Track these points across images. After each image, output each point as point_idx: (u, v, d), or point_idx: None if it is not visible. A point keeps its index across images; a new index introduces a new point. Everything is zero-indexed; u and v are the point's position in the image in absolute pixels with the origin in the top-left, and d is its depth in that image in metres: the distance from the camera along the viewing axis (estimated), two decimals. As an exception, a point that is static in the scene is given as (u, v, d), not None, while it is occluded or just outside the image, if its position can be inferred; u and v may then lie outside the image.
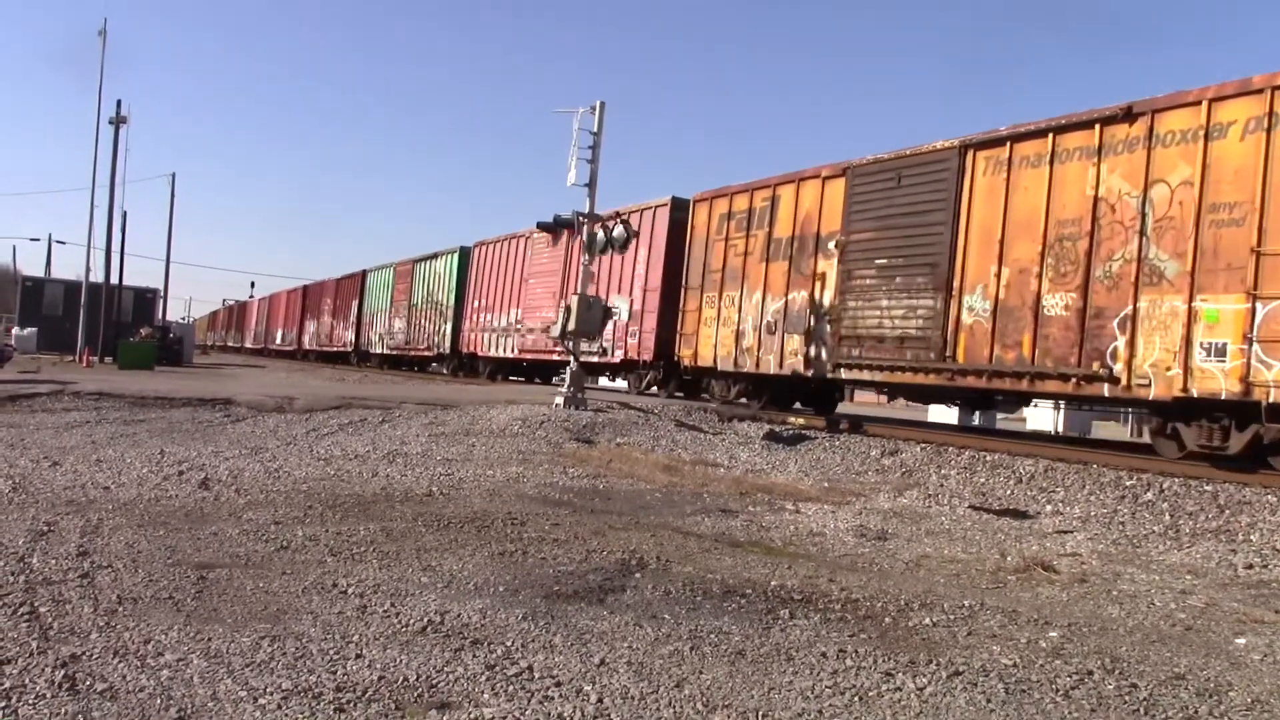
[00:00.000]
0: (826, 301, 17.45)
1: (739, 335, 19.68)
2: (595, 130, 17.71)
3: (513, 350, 30.04)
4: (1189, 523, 9.55)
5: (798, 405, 20.81)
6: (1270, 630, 6.00)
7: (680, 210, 22.25)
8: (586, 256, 18.22)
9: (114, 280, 39.62)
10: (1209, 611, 6.45)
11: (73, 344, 38.58)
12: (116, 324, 38.92)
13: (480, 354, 33.07)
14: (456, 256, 35.71)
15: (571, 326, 17.72)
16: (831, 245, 17.51)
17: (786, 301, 18.37)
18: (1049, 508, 10.58)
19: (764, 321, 18.96)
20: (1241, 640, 5.75)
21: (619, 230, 17.98)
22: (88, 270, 39.55)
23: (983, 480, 11.96)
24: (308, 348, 57.89)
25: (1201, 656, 5.35)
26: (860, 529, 8.97)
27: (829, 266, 17.58)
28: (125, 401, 15.96)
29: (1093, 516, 10.07)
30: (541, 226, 21.50)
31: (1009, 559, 7.86)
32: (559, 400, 17.08)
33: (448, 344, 35.70)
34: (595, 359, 23.44)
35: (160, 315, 52.33)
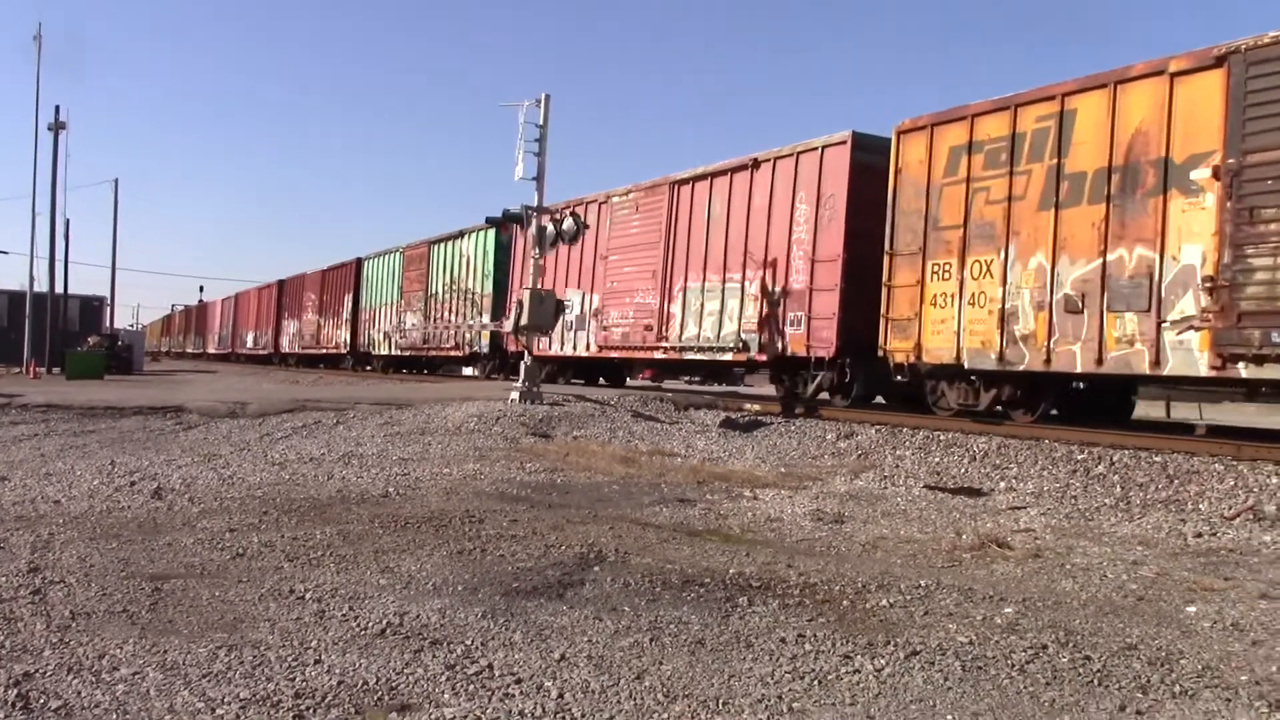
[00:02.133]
0: (1197, 258, 11.57)
1: (1005, 317, 13.66)
2: (541, 123, 17.67)
3: (588, 346, 23.46)
4: (1139, 494, 9.69)
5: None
6: (1219, 598, 6.11)
7: (870, 150, 16.38)
8: (537, 251, 18.17)
9: (59, 289, 39.08)
10: (1160, 581, 6.56)
11: (19, 356, 38.00)
12: (63, 333, 38.46)
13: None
14: (492, 234, 28.51)
15: (525, 321, 17.67)
16: (1200, 174, 11.61)
17: (1104, 264, 12.52)
18: (1002, 484, 10.70)
19: (1056, 296, 13.04)
20: (1192, 608, 5.85)
21: (569, 223, 17.93)
22: (31, 280, 38.99)
23: (937, 460, 12.07)
24: (287, 350, 50.34)
25: (1153, 626, 5.45)
26: (817, 513, 9.03)
27: (1193, 206, 11.67)
28: (74, 412, 15.75)
29: (1045, 491, 10.20)
30: (490, 221, 21.07)
31: (964, 537, 7.95)
32: (514, 395, 17.05)
33: (486, 341, 28.93)
34: (726, 355, 18.85)
35: (108, 323, 51.73)
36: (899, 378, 15.48)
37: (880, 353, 15.34)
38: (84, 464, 11.17)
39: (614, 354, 22.96)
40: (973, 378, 14.66)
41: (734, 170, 18.85)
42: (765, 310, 17.73)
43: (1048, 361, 13.03)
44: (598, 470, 11.47)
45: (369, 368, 39.63)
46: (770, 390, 27.95)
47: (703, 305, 19.22)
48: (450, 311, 31.32)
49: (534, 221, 17.94)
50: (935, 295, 14.63)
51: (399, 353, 36.04)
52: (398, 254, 36.02)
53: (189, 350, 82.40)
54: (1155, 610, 5.83)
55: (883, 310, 15.28)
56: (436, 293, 32.46)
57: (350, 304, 40.99)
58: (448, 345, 31.53)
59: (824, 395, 17.39)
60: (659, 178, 21.01)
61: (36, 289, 38.61)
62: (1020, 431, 12.80)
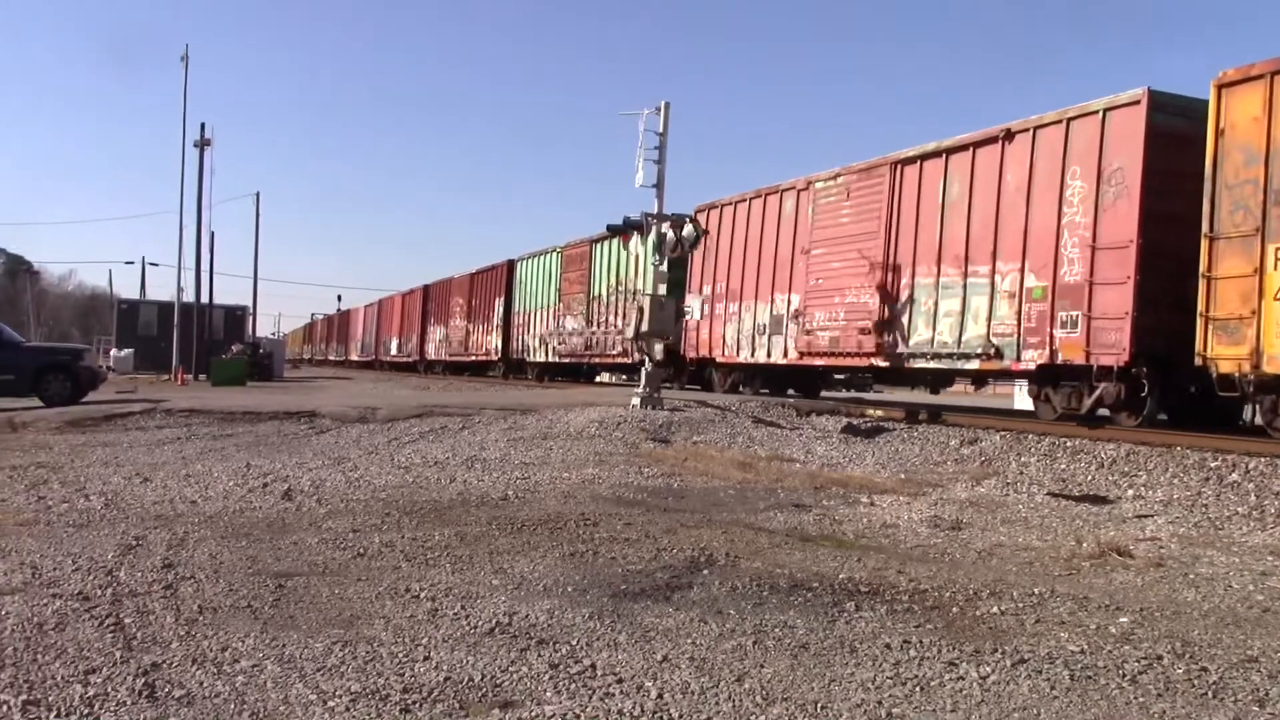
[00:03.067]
0: None
1: None
2: (660, 131, 17.79)
3: (785, 352, 20.70)
4: (1275, 502, 9.33)
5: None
6: (1352, 610, 5.87)
7: (1170, 112, 13.61)
8: (657, 258, 18.27)
9: (205, 300, 40.72)
10: (1289, 592, 6.33)
11: (168, 363, 39.76)
12: (208, 342, 40.00)
13: (723, 359, 23.32)
14: (666, 229, 25.89)
15: (645, 328, 17.78)
16: None
17: None
18: (1130, 492, 10.41)
19: None
20: (1321, 621, 5.64)
21: (688, 229, 17.98)
22: (179, 291, 40.82)
23: (1063, 466, 11.80)
24: (433, 358, 47.83)
25: (1277, 638, 5.26)
26: (934, 519, 8.92)
27: None
28: (214, 417, 16.40)
29: (1175, 499, 9.90)
30: (611, 229, 20.85)
31: (1084, 545, 7.76)
32: (635, 401, 17.18)
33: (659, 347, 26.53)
34: (969, 363, 16.22)
35: (250, 332, 53.64)
36: (1227, 393, 12.40)
37: (1198, 360, 12.41)
38: (221, 466, 11.64)
39: (819, 361, 20.20)
40: None
41: (978, 144, 16.18)
42: (1025, 309, 15.00)
43: None
44: (714, 475, 11.50)
45: (522, 375, 37.20)
46: (901, 396, 27.07)
47: (936, 304, 16.56)
48: (616, 314, 28.36)
49: (654, 229, 18.04)
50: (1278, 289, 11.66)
51: (557, 359, 33.52)
52: (555, 254, 33.51)
53: (331, 358, 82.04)
54: (1281, 622, 5.63)
55: (1200, 308, 12.37)
56: (600, 294, 29.79)
57: (501, 308, 38.35)
58: (614, 351, 28.59)
59: (1103, 411, 14.60)
60: (875, 158, 18.48)
61: (184, 299, 40.33)
62: (1151, 438, 12.42)
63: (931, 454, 13.53)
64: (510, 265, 37.89)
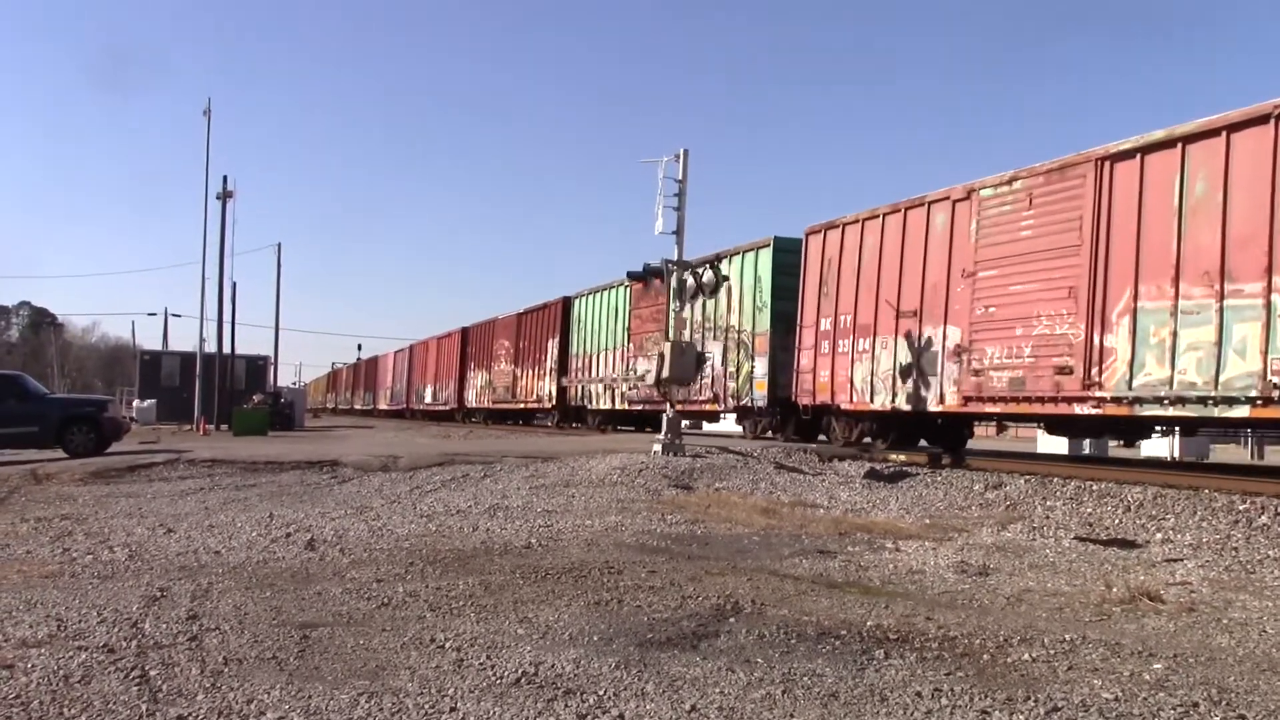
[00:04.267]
0: None
1: None
2: (680, 178, 17.88)
3: (941, 398, 16.92)
4: (1307, 546, 9.22)
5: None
6: (1391, 655, 5.77)
7: None
8: (676, 304, 18.31)
9: (226, 350, 40.94)
10: (1325, 637, 6.23)
11: (190, 413, 39.91)
12: (230, 392, 40.17)
13: (849, 405, 19.40)
14: (768, 255, 22.51)
15: (666, 374, 17.79)
16: None
17: None
18: (1158, 536, 10.30)
19: None
20: (1359, 666, 5.54)
21: (708, 275, 18.03)
22: (201, 341, 41.07)
23: (1089, 510, 11.70)
24: (474, 405, 44.42)
25: (1315, 685, 5.18)
26: (961, 565, 8.84)
27: None
28: (237, 467, 16.45)
29: (1204, 543, 9.79)
30: (632, 276, 20.79)
31: (1114, 590, 7.67)
32: (657, 448, 17.14)
33: (760, 393, 22.54)
34: (1236, 408, 12.35)
35: (272, 381, 53.86)
36: None
37: None
38: (244, 516, 11.65)
39: (993, 408, 16.53)
40: None
41: (1234, 127, 12.56)
42: None
43: None
44: (738, 522, 11.45)
45: (577, 425, 34.04)
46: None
47: (1174, 334, 13.03)
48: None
49: (674, 275, 18.09)
50: None
51: (625, 406, 29.77)
52: (622, 288, 29.89)
53: (357, 406, 79.08)
54: (1319, 668, 5.54)
55: None
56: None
57: (555, 350, 34.79)
58: (700, 397, 25.05)
59: None
60: (1072, 155, 14.98)
61: (207, 349, 40.58)
62: (1178, 480, 12.31)
63: (956, 498, 13.44)
64: (566, 303, 34.54)
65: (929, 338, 17.24)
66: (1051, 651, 5.79)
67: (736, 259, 23.34)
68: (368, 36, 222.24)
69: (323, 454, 18.36)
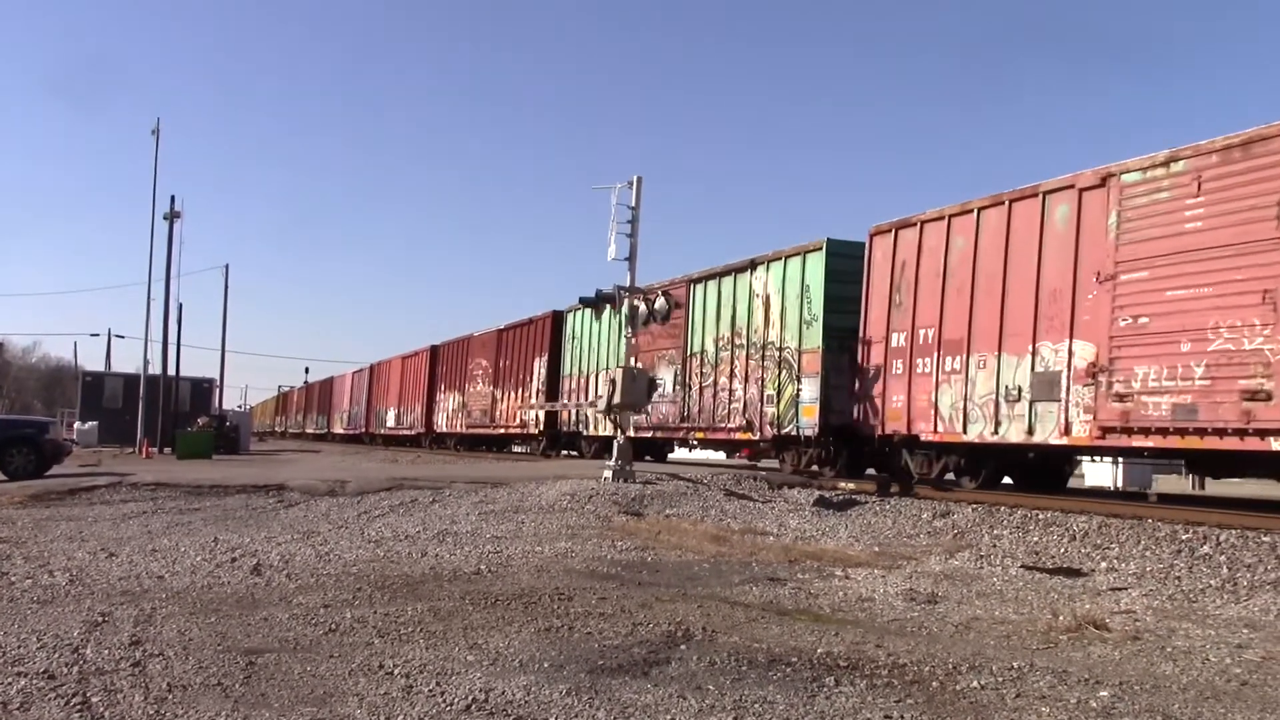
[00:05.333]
0: None
1: None
2: (633, 204, 17.96)
3: (1066, 427, 14.17)
4: (1247, 575, 9.37)
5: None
6: (1330, 683, 5.87)
7: None
8: (629, 330, 18.33)
9: (171, 372, 40.40)
10: (1266, 665, 6.33)
11: (132, 436, 39.33)
12: (175, 415, 39.62)
13: (933, 436, 16.62)
14: (819, 259, 19.21)
15: (618, 400, 17.79)
16: None
17: None
18: (1103, 565, 10.43)
19: None
20: (1299, 694, 5.63)
21: (660, 303, 18.08)
22: (145, 363, 40.52)
23: (1036, 539, 11.82)
24: (445, 429, 41.46)
25: (1256, 712, 5.26)
26: (910, 593, 8.89)
27: None
28: (181, 491, 16.23)
29: (1148, 572, 9.92)
30: (584, 301, 20.71)
31: (1061, 618, 7.75)
32: (607, 474, 17.12)
33: (808, 420, 19.09)
34: None
35: (217, 404, 53.22)
36: None
37: None
38: (188, 541, 11.48)
39: (1144, 440, 13.36)
40: None
41: None
42: None
43: None
44: (688, 549, 11.44)
45: (570, 453, 30.90)
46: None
47: None
48: (730, 376, 21.66)
49: (625, 301, 18.12)
50: None
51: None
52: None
53: (309, 430, 74.95)
54: (1260, 696, 5.62)
55: None
56: (701, 350, 22.81)
57: (543, 371, 31.46)
58: (730, 424, 21.67)
59: None
60: (1261, 126, 12.20)
61: (151, 371, 40.05)
62: (1122, 510, 12.49)
63: (904, 526, 13.52)
64: (556, 318, 31.13)
65: (1046, 356, 14.51)
66: (1000, 679, 5.83)
67: (776, 266, 20.30)
68: (324, 50, 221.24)
69: (269, 478, 18.16)
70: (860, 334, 18.08)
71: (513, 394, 33.74)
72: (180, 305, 40.22)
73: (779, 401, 19.80)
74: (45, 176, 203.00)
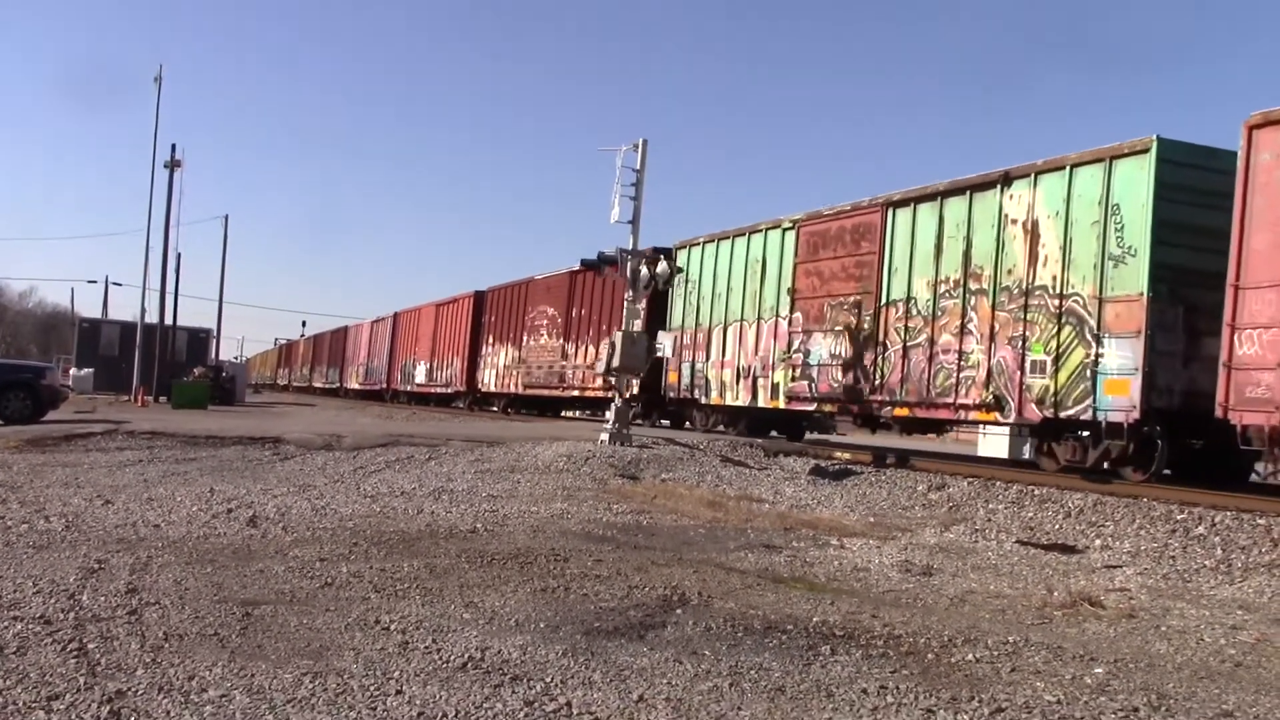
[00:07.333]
0: None
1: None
2: (638, 167, 17.84)
3: None
4: (1241, 556, 9.39)
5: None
6: (1323, 666, 5.88)
7: None
8: (630, 294, 18.25)
9: (168, 321, 40.33)
10: (1260, 647, 6.34)
11: (128, 384, 39.29)
12: (171, 364, 39.58)
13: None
14: (1149, 162, 13.10)
15: (617, 363, 17.74)
16: None
17: None
18: (1098, 542, 10.45)
19: None
20: (1293, 676, 5.65)
21: (662, 266, 17.98)
22: (143, 312, 40.39)
23: (1030, 515, 11.84)
24: (492, 388, 35.79)
25: (1251, 693, 5.26)
26: (905, 564, 8.90)
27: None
28: (177, 440, 16.20)
29: (1142, 551, 9.94)
30: (585, 264, 20.65)
31: (1056, 594, 7.77)
32: (604, 436, 17.11)
33: (1114, 399, 13.26)
34: None
35: (214, 355, 53.15)
36: None
37: None
38: (184, 490, 11.47)
39: None
40: None
41: None
42: None
43: None
44: (684, 513, 11.45)
45: (665, 422, 26.14)
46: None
47: None
48: (959, 333, 15.93)
49: (628, 264, 18.04)
50: None
51: (782, 404, 20.26)
52: (777, 231, 20.56)
53: (317, 384, 67.35)
54: (1254, 677, 5.63)
55: None
56: (907, 296, 17.12)
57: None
58: (959, 399, 15.96)
59: None
60: None
61: (148, 320, 39.93)
62: (1118, 489, 12.49)
63: (899, 498, 13.54)
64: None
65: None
66: (995, 653, 5.84)
67: (1053, 179, 14.62)
68: (329, 7, 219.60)
69: (265, 430, 18.13)
70: (1231, 277, 11.79)
71: (591, 349, 27.37)
72: (179, 254, 40.12)
73: (1057, 371, 14.20)
74: (43, 118, 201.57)
